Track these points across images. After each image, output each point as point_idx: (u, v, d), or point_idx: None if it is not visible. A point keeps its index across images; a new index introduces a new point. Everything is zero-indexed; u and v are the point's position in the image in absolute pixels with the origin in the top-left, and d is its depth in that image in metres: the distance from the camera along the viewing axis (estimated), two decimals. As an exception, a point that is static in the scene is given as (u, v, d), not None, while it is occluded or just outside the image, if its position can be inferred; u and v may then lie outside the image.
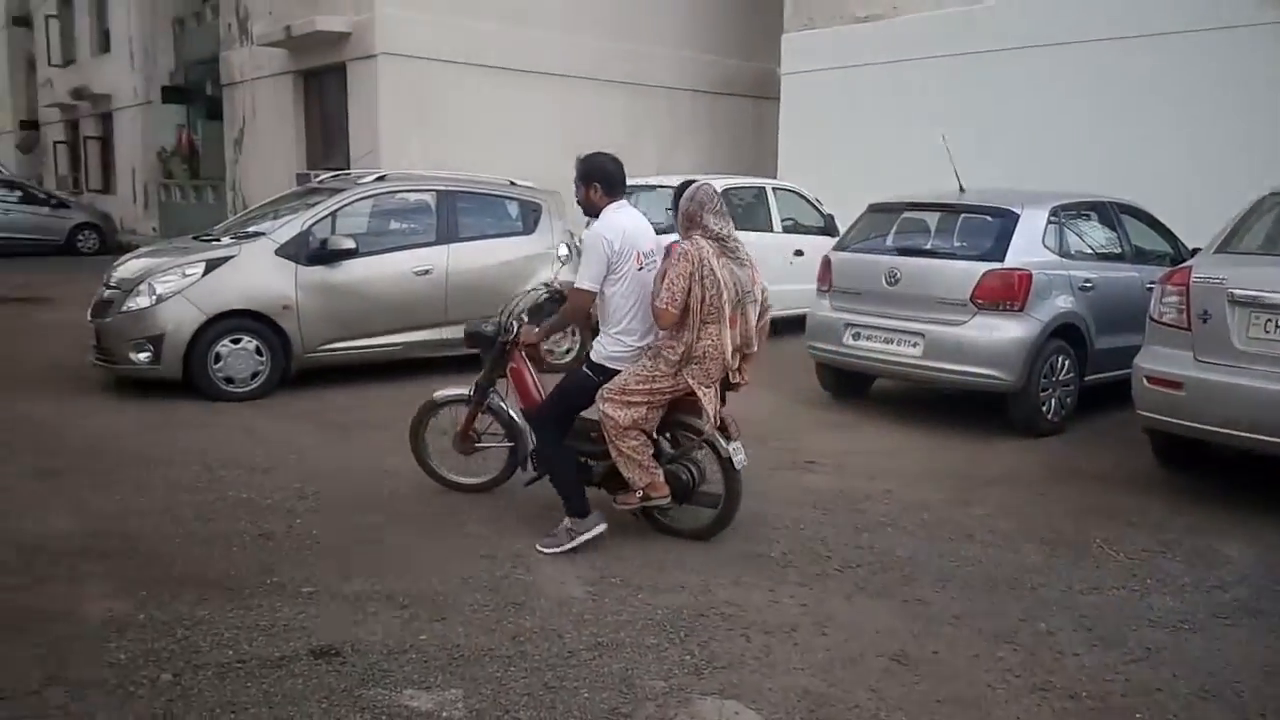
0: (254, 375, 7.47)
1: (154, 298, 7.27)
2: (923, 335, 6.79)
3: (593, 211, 4.59)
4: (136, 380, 7.49)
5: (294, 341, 7.60)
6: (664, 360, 4.34)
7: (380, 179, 8.74)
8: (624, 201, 4.60)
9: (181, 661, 3.31)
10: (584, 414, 4.67)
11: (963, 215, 7.24)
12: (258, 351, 7.47)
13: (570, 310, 4.61)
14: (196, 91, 21.27)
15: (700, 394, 4.33)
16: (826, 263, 7.62)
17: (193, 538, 4.50)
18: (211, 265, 7.43)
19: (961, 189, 7.48)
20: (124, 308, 7.34)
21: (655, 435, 4.55)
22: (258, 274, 7.52)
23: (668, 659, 3.45)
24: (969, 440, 6.63)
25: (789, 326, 9.96)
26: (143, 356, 7.27)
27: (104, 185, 25.78)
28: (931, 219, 7.53)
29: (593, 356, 4.55)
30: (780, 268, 10.46)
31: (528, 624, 3.71)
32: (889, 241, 7.42)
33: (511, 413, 5.02)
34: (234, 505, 4.97)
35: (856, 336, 7.18)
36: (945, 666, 3.46)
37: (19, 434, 6.29)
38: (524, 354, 4.89)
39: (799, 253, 10.55)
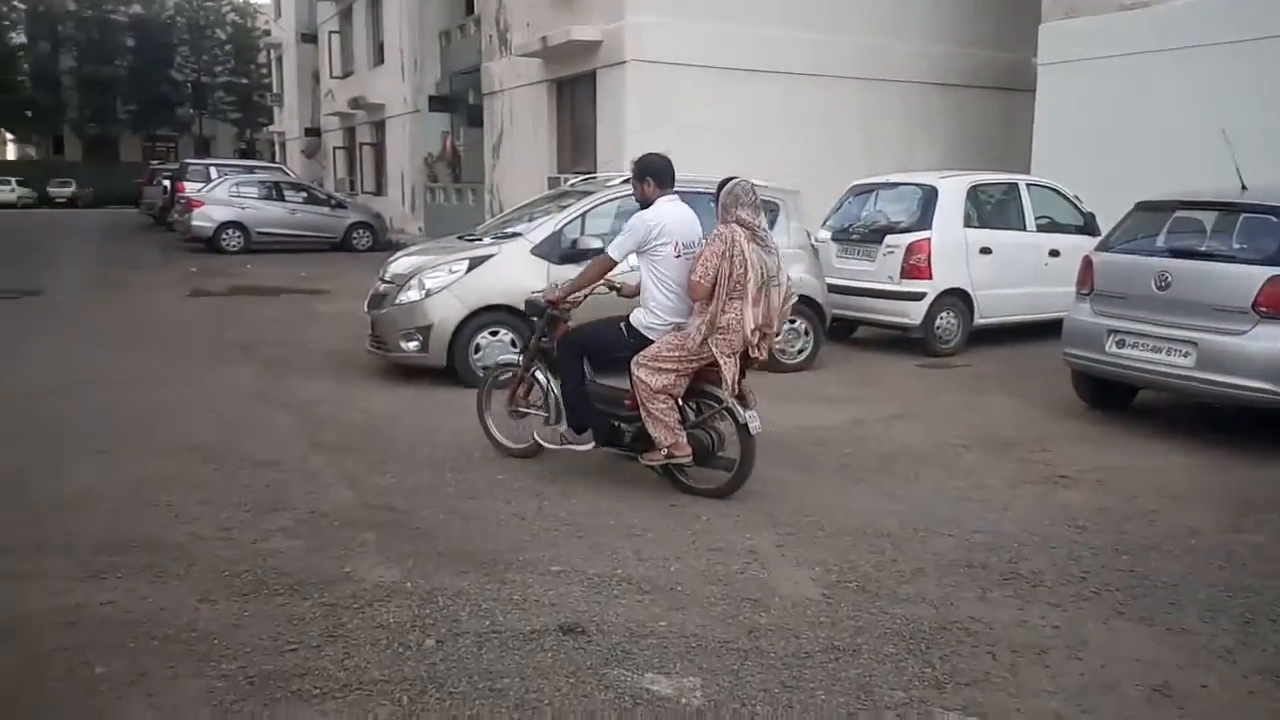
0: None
1: (424, 292, 7.86)
2: (1195, 344, 6.26)
3: (647, 204, 5.21)
4: (405, 367, 8.12)
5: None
6: (693, 332, 4.93)
7: (625, 182, 9.01)
8: (675, 195, 5.25)
9: (444, 628, 3.58)
10: (617, 385, 5.29)
11: (1244, 215, 6.59)
12: (512, 344, 7.92)
13: (590, 272, 5.38)
14: (460, 100, 22.76)
15: (722, 362, 4.89)
16: (1088, 264, 7.17)
17: (454, 514, 4.85)
18: (474, 263, 7.96)
19: (1243, 186, 6.82)
20: (396, 301, 7.99)
21: (681, 403, 5.08)
22: (514, 271, 7.97)
23: (907, 670, 3.38)
24: (1245, 461, 6.05)
25: (1040, 332, 9.46)
26: (412, 345, 7.89)
27: (376, 188, 28.09)
28: (1208, 219, 6.91)
29: (632, 322, 5.18)
30: (1033, 269, 9.96)
31: (763, 621, 3.74)
32: (1159, 242, 6.88)
33: (551, 386, 5.53)
34: (490, 486, 5.31)
35: (1120, 344, 6.71)
36: (1215, 702, 3.20)
37: (305, 413, 6.98)
38: (568, 324, 5.48)
39: (1055, 253, 9.98)
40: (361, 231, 22.38)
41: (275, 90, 45.76)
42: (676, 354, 4.97)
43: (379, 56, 27.10)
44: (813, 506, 5.05)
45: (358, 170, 29.91)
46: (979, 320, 9.84)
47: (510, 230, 8.64)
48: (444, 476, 5.47)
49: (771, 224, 9.07)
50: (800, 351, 9.00)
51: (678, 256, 5.03)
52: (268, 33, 48.19)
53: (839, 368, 9.21)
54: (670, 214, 5.09)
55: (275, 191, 22.12)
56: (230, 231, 20.70)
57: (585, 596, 3.90)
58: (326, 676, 3.21)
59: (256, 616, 3.64)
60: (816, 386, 8.34)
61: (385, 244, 22.18)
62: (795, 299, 5.33)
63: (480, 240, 8.70)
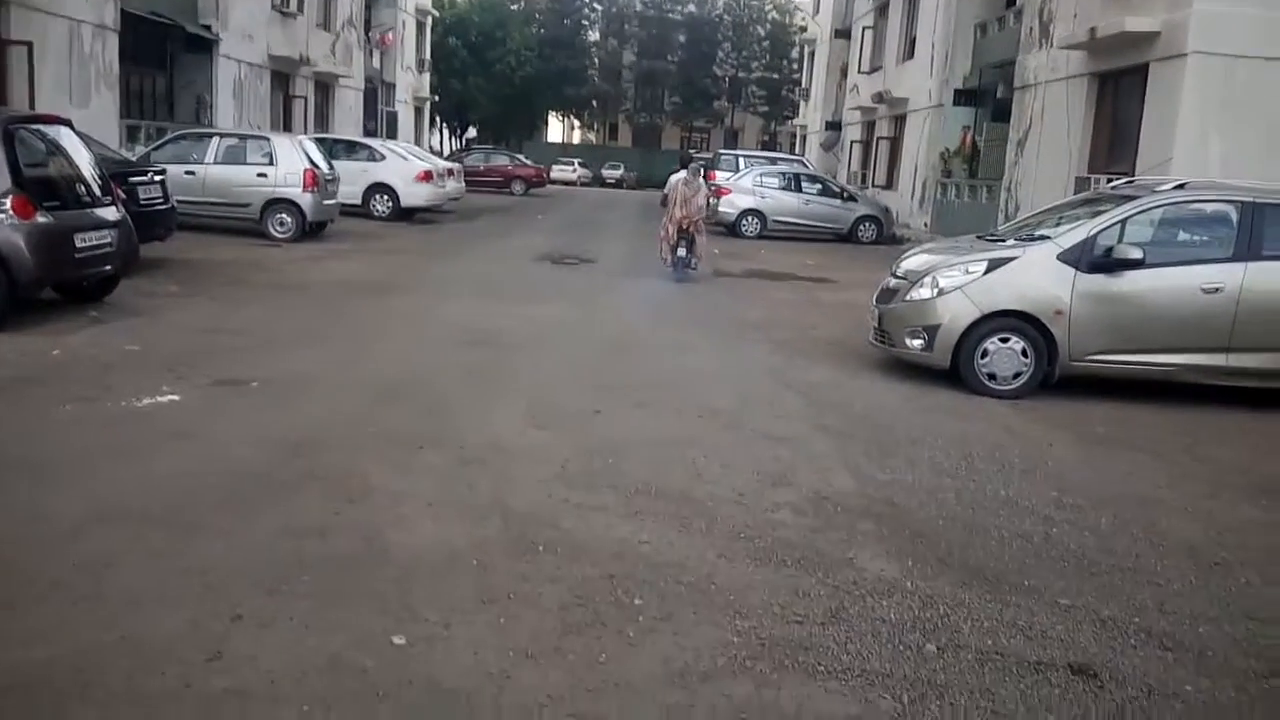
0: (1016, 375, 7.58)
1: (936, 290, 7.76)
2: None
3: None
4: (905, 363, 8.11)
5: (1061, 347, 7.52)
6: (667, 214, 13.84)
7: (1178, 187, 8.13)
8: (684, 171, 14.06)
9: (944, 637, 3.54)
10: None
11: None
12: (1023, 353, 7.56)
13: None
14: (986, 94, 22.01)
15: (670, 226, 13.59)
16: None
17: (954, 522, 4.76)
18: (993, 265, 7.69)
19: None
20: (907, 297, 7.98)
21: (676, 240, 13.54)
22: (1036, 277, 7.58)
23: None
24: None
25: None
26: (917, 344, 7.84)
27: (887, 181, 28.19)
28: None
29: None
30: None
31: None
32: None
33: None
34: (992, 499, 5.13)
35: None
36: None
37: (810, 395, 7.26)
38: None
39: None
40: (868, 224, 22.66)
41: (803, 85, 47.79)
42: (665, 221, 13.77)
43: (909, 51, 27.03)
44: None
45: (871, 164, 30.23)
46: None
47: (1037, 233, 8.21)
48: (943, 481, 5.38)
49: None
50: None
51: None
52: (803, 29, 50.36)
53: None
54: (675, 177, 14.12)
55: (794, 183, 23.13)
56: (750, 218, 22.05)
57: (1097, 638, 3.63)
58: (830, 656, 3.34)
59: (767, 583, 3.89)
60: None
61: (889, 238, 22.23)
62: (704, 211, 13.86)
63: (1002, 241, 8.38)
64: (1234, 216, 7.76)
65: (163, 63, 22.02)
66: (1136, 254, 7.50)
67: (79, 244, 8.35)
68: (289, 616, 3.40)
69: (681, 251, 13.47)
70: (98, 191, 8.91)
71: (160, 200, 11.77)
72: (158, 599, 3.47)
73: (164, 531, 4.04)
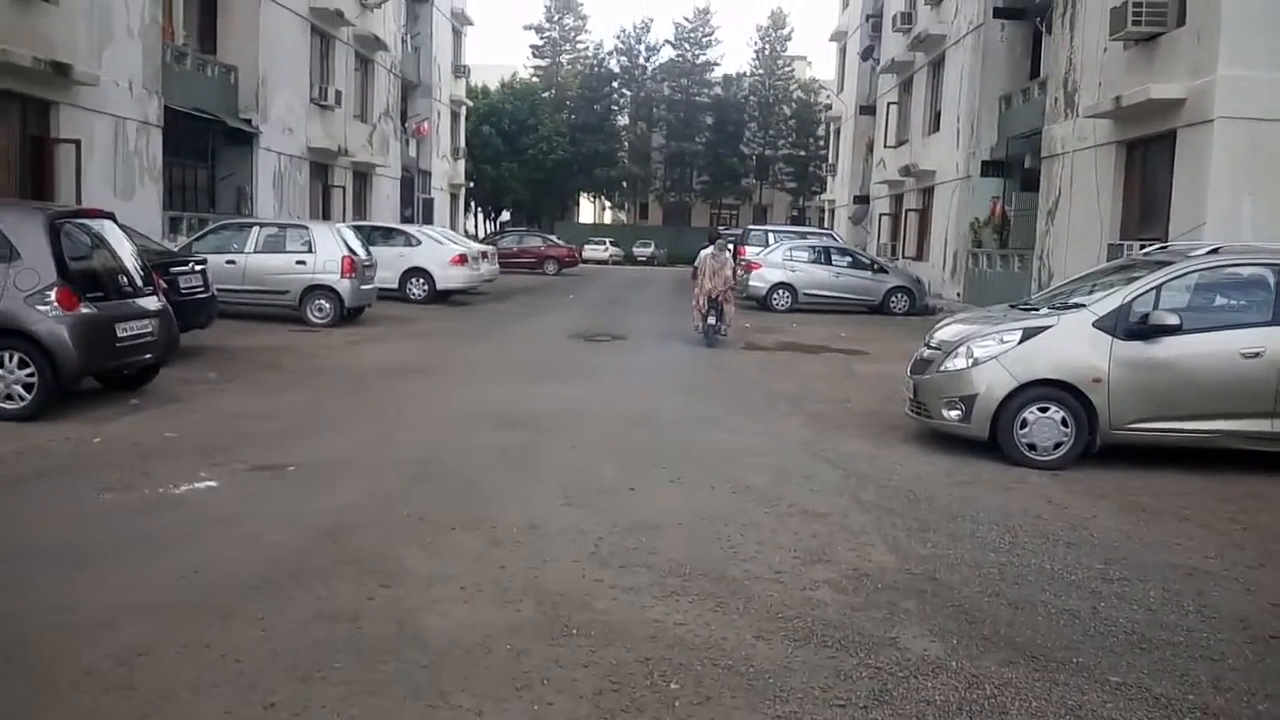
0: (1056, 445, 7.46)
1: (971, 360, 7.70)
2: None
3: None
4: (943, 435, 8.00)
5: (1101, 416, 7.40)
6: (698, 285, 15.26)
7: (1213, 251, 8.06)
8: (712, 247, 15.50)
9: (992, 719, 3.42)
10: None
11: None
12: (1063, 422, 7.44)
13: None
14: (1014, 165, 22.11)
15: (701, 297, 15.03)
16: None
17: (999, 598, 4.63)
18: (1028, 334, 7.63)
19: None
20: (942, 367, 7.92)
21: (706, 309, 14.95)
22: (1072, 345, 7.51)
23: None
24: None
25: None
26: (954, 414, 7.76)
27: (917, 253, 28.24)
28: None
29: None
30: None
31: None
32: None
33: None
34: (1037, 574, 5.00)
35: None
36: None
37: (847, 469, 7.16)
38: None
39: None
40: (899, 296, 22.63)
41: (830, 160, 48.40)
42: (696, 292, 15.18)
43: (934, 125, 27.32)
44: None
45: (901, 236, 30.34)
46: None
47: (1073, 301, 8.15)
48: (987, 556, 5.26)
49: None
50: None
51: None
52: (828, 107, 51.13)
53: None
54: (704, 253, 15.50)
55: (824, 256, 23.25)
56: (781, 292, 22.13)
57: (1151, 717, 3.49)
58: (874, 740, 3.24)
59: (807, 664, 3.79)
60: None
61: (922, 309, 22.16)
62: (731, 281, 15.30)
63: (1036, 310, 8.33)
64: (1271, 280, 7.68)
65: (204, 155, 22.72)
66: (1173, 320, 7.42)
67: (120, 333, 8.52)
68: (322, 705, 3.36)
69: (712, 319, 14.98)
70: (139, 282, 9.11)
71: (201, 289, 12.02)
72: (191, 688, 3.45)
73: (198, 619, 4.04)
